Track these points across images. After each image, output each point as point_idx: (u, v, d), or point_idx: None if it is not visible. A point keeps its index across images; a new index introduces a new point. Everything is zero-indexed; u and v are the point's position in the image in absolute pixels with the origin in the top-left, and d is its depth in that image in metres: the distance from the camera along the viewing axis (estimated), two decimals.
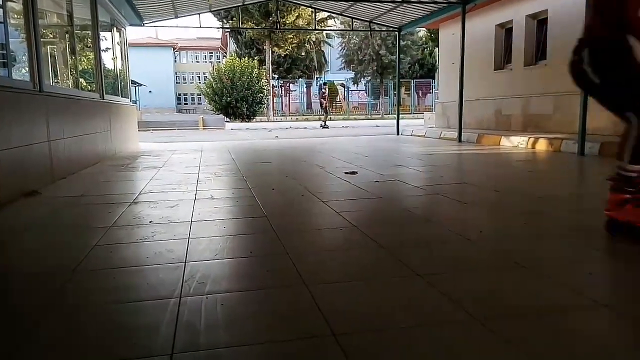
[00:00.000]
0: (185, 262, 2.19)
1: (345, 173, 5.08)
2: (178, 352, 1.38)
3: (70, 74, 6.85)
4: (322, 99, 20.65)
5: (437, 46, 21.49)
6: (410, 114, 30.30)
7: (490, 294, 1.78)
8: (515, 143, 8.29)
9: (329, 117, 20.66)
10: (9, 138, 3.83)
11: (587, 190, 4.39)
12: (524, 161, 6.35)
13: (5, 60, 4.36)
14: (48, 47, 6.51)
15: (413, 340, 1.44)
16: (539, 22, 10.60)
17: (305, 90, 35.00)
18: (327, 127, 19.12)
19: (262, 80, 25.60)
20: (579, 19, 7.19)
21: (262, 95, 25.64)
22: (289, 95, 34.46)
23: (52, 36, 6.93)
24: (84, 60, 7.73)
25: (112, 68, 9.04)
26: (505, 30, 11.67)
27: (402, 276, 1.99)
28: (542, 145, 7.67)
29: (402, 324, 1.54)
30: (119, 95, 8.76)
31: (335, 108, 35.52)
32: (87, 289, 1.92)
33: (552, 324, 1.53)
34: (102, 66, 7.59)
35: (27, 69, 4.66)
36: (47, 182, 4.57)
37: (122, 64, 9.54)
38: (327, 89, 21.88)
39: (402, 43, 12.57)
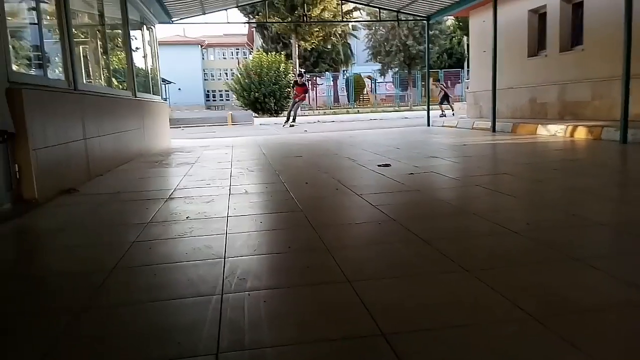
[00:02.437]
0: (224, 258, 2.16)
1: (379, 166, 4.99)
2: (223, 352, 1.34)
3: (103, 73, 6.94)
4: (442, 89, 19.49)
5: (467, 34, 21.05)
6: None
7: (546, 290, 1.68)
8: (553, 132, 8.02)
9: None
10: (46, 136, 3.89)
11: (635, 179, 4.19)
12: (564, 150, 6.13)
13: (41, 61, 4.42)
14: (81, 46, 6.61)
15: (467, 341, 1.36)
16: (575, 5, 10.22)
17: (332, 83, 34.83)
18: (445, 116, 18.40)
19: (289, 75, 25.57)
20: (617, 1, 6.89)
21: (289, 90, 25.63)
22: (316, 89, 34.36)
23: (84, 36, 7.04)
24: (115, 59, 7.84)
25: (143, 66, 9.14)
26: (539, 16, 11.30)
27: (449, 271, 1.91)
28: (581, 134, 7.40)
29: (453, 323, 1.47)
30: (150, 93, 8.86)
31: (362, 101, 35.26)
32: (127, 286, 1.91)
33: (613, 322, 1.43)
34: (133, 64, 7.67)
35: (61, 68, 4.73)
36: (84, 180, 4.63)
37: (152, 62, 9.64)
38: (443, 82, 20.65)
39: (430, 33, 12.29)
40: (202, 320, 1.54)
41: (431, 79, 20.21)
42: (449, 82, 33.69)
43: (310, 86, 33.47)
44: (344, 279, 1.85)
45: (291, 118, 16.43)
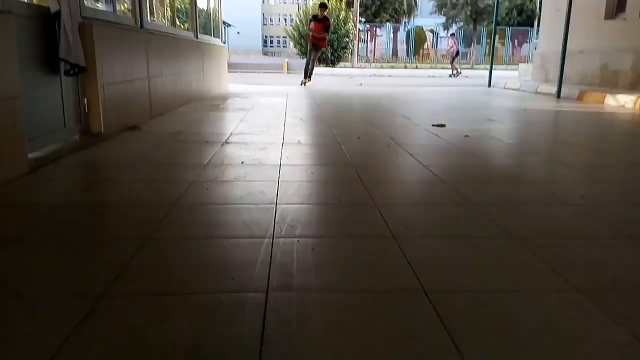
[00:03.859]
0: (276, 205, 2.26)
1: (433, 125, 4.92)
2: (273, 291, 1.44)
3: (167, 13, 7.06)
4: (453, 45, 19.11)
5: None
6: (504, 64, 28.51)
7: (594, 264, 1.68)
8: (622, 102, 7.57)
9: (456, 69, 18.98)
10: (114, 72, 4.06)
11: None
12: (632, 122, 5.80)
13: None
14: None
15: (507, 306, 1.40)
16: None
17: (392, 35, 33.83)
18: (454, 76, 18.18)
19: (349, 24, 25.00)
20: None
21: (347, 39, 25.14)
22: (375, 41, 33.51)
23: None
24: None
25: (205, 8, 9.19)
26: None
27: (495, 237, 1.92)
28: None
29: (494, 287, 1.50)
30: (211, 35, 8.95)
31: (422, 56, 34.16)
32: (186, 222, 2.05)
33: None
34: (196, 5, 7.73)
35: (128, 5, 4.85)
36: (146, 118, 4.84)
37: (215, 3, 9.67)
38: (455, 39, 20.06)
39: None
40: (254, 260, 1.65)
41: (448, 34, 19.50)
42: (516, 40, 31.93)
43: (369, 37, 32.63)
44: (390, 234, 1.91)
45: (308, 72, 11.37)
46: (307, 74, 11.27)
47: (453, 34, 20.96)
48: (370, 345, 1.19)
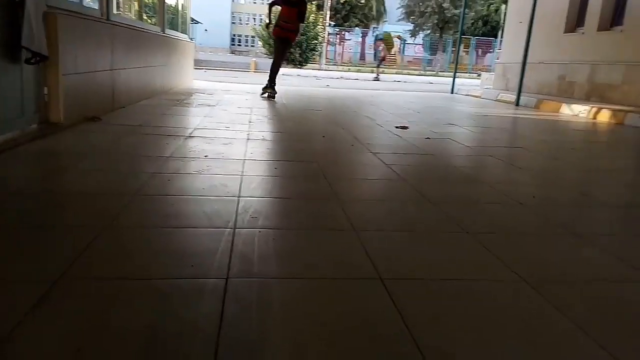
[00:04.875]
0: (238, 197, 2.27)
1: (396, 127, 5.02)
2: (233, 278, 1.46)
3: (134, 6, 6.93)
4: (382, 50, 19.59)
5: (505, 2, 20.35)
6: (467, 72, 29.22)
7: (542, 259, 1.77)
8: (576, 112, 7.90)
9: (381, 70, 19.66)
10: (76, 63, 3.97)
11: None
12: (584, 131, 6.07)
13: None
14: None
15: (457, 293, 1.46)
16: None
17: (360, 40, 34.16)
18: (378, 80, 18.68)
19: (318, 27, 25.10)
20: None
21: (316, 42, 25.23)
22: (343, 44, 33.76)
23: None
24: None
25: (174, 3, 9.06)
26: None
27: (450, 232, 2.00)
28: (604, 117, 7.29)
29: (447, 276, 1.57)
30: (178, 31, 8.83)
31: (389, 61, 34.62)
32: (146, 212, 2.03)
33: (602, 293, 1.52)
34: (164, 0, 7.62)
35: None
36: (108, 110, 4.74)
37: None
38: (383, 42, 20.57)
39: None
40: (214, 249, 1.66)
41: (378, 38, 20.04)
42: (480, 50, 32.76)
43: (338, 40, 32.82)
44: (351, 227, 1.96)
45: (274, 79, 7.75)
46: (272, 80, 7.64)
47: (381, 39, 21.08)
48: (328, 329, 1.23)
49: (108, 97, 4.82)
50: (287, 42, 7.74)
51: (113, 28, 4.87)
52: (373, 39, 34.69)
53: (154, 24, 7.35)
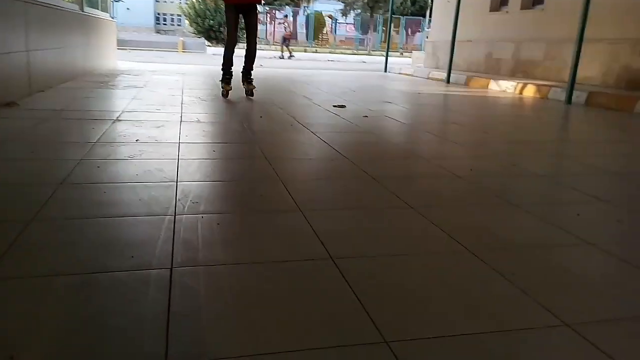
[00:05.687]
0: (176, 182, 2.16)
1: (334, 106, 5.01)
2: (178, 267, 1.38)
3: None
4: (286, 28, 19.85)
5: None
6: (398, 52, 29.73)
7: (481, 228, 1.82)
8: (504, 87, 8.26)
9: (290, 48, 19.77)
10: None
11: (573, 137, 4.45)
12: (511, 105, 6.35)
13: None
14: None
15: (407, 267, 1.47)
16: None
17: (291, 19, 33.77)
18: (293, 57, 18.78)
19: None
20: None
21: None
22: (274, 24, 33.25)
23: None
24: None
25: None
26: None
27: (394, 207, 2.01)
28: (529, 92, 7.66)
29: (395, 252, 1.57)
30: (98, 9, 8.29)
31: (322, 40, 34.56)
32: (75, 202, 1.89)
33: (540, 258, 1.58)
34: None
35: None
36: (24, 94, 4.38)
37: None
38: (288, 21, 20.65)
39: None
40: (155, 237, 1.57)
41: (283, 17, 20.33)
42: (410, 29, 33.41)
43: (268, 19, 32.27)
44: (296, 207, 1.92)
45: (229, 67, 5.61)
46: (227, 71, 5.52)
47: (285, 16, 21.24)
48: (282, 312, 1.19)
49: (24, 81, 4.44)
50: (247, 10, 5.49)
51: (26, 5, 4.48)
52: (304, 18, 34.49)
53: (72, 2, 6.85)
